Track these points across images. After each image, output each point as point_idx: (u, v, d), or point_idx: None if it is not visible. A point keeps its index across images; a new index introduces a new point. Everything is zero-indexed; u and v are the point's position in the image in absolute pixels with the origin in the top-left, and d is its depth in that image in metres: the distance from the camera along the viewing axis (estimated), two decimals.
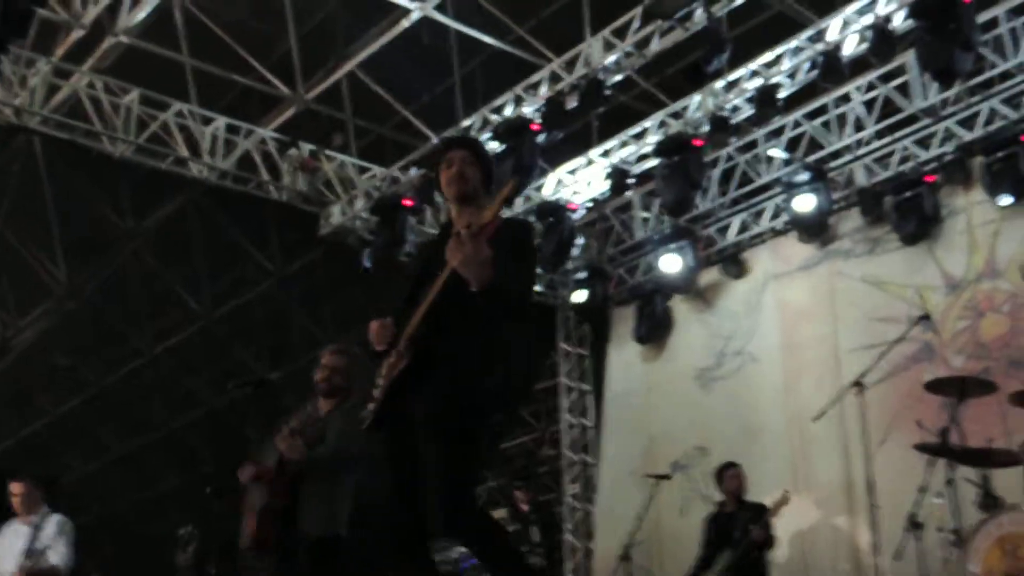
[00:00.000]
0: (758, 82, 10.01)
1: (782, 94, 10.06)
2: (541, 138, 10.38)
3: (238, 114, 11.10)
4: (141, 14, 9.58)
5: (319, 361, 6.19)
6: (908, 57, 9.97)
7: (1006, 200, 9.94)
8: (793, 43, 9.76)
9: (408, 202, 11.34)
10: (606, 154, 11.37)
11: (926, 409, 8.03)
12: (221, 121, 10.98)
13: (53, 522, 7.86)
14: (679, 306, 12.39)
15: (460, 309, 4.11)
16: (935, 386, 7.38)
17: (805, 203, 10.86)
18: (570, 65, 10.19)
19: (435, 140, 11.08)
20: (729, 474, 9.35)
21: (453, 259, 4.04)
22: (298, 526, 5.89)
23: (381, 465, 4.42)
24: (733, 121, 10.42)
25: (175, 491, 10.55)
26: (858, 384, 7.67)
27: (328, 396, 6.12)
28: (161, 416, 10.81)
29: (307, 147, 11.46)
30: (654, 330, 12.62)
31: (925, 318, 7.99)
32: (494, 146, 10.59)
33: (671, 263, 11.81)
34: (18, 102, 9.91)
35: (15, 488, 7.97)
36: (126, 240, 10.63)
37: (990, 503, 6.70)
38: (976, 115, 10.23)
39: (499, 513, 8.19)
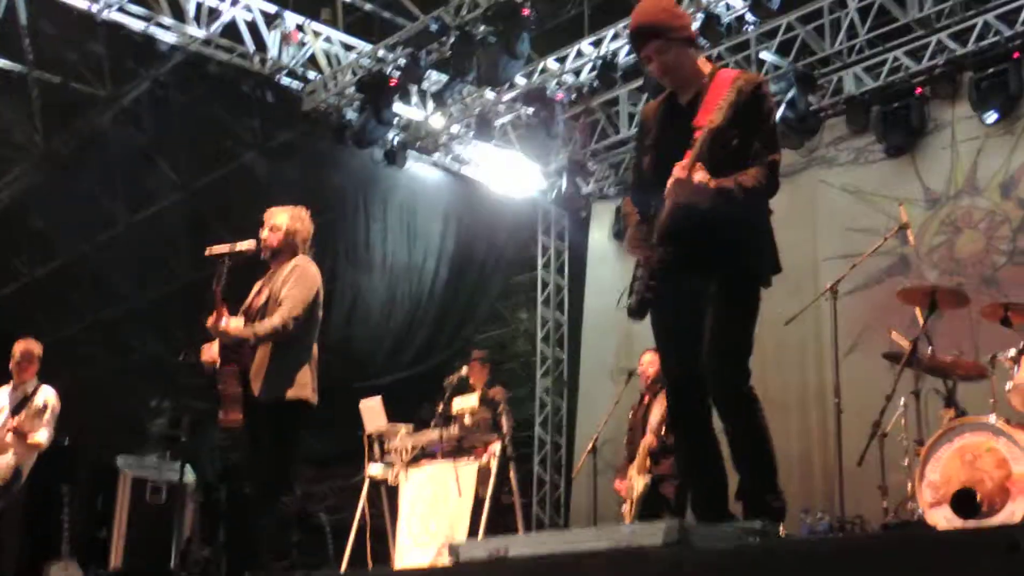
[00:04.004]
0: None
1: None
2: (531, 23, 10.27)
3: None
4: None
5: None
6: None
7: (992, 117, 9.96)
8: None
9: (393, 81, 11.22)
10: (596, 45, 11.25)
11: (899, 321, 8.08)
12: None
13: (41, 393, 8.01)
14: None
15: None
16: (908, 295, 7.43)
17: (788, 108, 10.81)
18: None
19: (423, 18, 10.90)
20: (644, 360, 8.86)
21: (672, 195, 4.12)
22: (254, 391, 5.93)
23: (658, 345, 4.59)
24: (725, 19, 10.30)
25: (148, 362, 10.57)
26: (832, 290, 7.74)
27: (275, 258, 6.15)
28: (136, 286, 10.78)
29: (294, 19, 11.25)
30: None
31: (905, 227, 8.02)
32: (482, 29, 10.52)
33: None
34: None
35: (19, 349, 8.10)
36: (105, 104, 10.46)
37: (954, 414, 6.82)
38: (970, 29, 10.17)
39: (470, 399, 8.23)
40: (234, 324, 5.91)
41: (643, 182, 4.51)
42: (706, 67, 4.45)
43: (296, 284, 6.04)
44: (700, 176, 4.08)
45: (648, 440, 8.12)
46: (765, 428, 4.33)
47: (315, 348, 6.13)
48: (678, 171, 4.09)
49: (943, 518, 6.12)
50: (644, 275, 4.38)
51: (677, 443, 4.66)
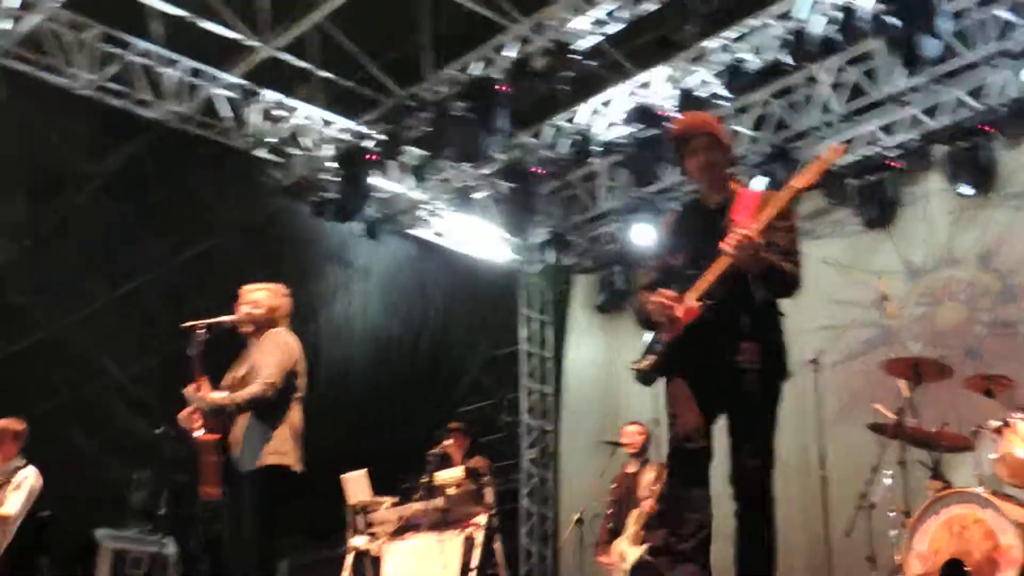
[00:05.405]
0: (726, 56, 10.02)
1: (749, 70, 10.07)
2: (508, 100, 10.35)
3: (202, 58, 10.90)
4: None
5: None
6: (877, 43, 10.00)
7: (966, 190, 10.10)
8: (761, 19, 9.76)
9: (372, 156, 11.26)
10: (571, 120, 11.35)
11: (883, 393, 8.11)
12: (185, 63, 10.80)
13: (20, 473, 7.89)
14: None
15: (746, 283, 4.54)
16: (892, 367, 7.46)
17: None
18: (539, 28, 10.12)
19: (401, 95, 10.99)
20: (628, 431, 8.88)
21: (731, 255, 4.44)
22: (234, 461, 5.88)
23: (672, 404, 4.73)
24: (701, 94, 10.41)
25: (127, 436, 10.49)
26: (814, 361, 7.77)
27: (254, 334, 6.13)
28: (115, 361, 10.73)
29: (272, 95, 11.31)
30: (615, 300, 12.70)
31: (885, 299, 8.08)
32: (459, 106, 10.59)
33: (641, 234, 11.80)
34: None
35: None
36: (84, 180, 10.46)
37: (940, 486, 6.80)
38: (941, 104, 10.33)
39: (454, 471, 8.18)
40: (214, 393, 5.89)
41: (669, 276, 4.80)
42: (733, 183, 4.89)
43: (272, 352, 6.03)
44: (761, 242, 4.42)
45: (647, 505, 8.05)
46: (775, 532, 4.60)
47: (299, 418, 6.08)
48: (746, 231, 4.40)
49: None
50: (669, 340, 4.63)
51: (670, 488, 4.81)
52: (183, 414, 6.01)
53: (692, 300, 4.57)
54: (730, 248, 4.41)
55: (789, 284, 4.61)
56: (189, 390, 5.89)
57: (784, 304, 4.80)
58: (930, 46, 8.91)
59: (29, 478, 7.98)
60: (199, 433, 5.92)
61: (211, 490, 5.88)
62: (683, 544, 4.55)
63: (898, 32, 8.94)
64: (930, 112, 10.42)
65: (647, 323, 4.78)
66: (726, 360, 4.54)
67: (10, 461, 8.02)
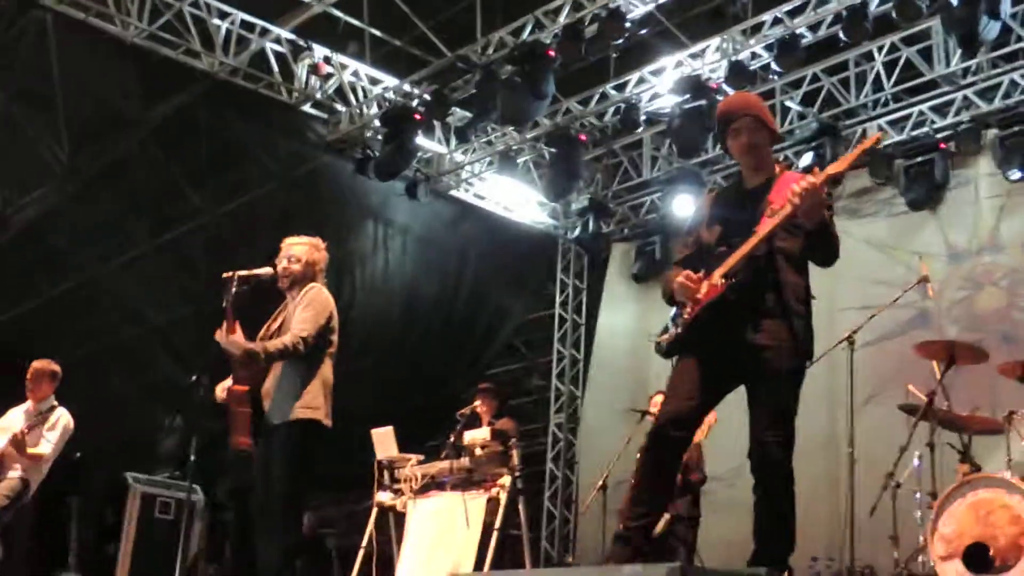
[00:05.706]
0: (779, 30, 9.93)
1: (803, 45, 9.97)
2: (556, 65, 10.32)
3: (254, 11, 10.95)
4: None
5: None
6: (934, 22, 9.87)
7: (1016, 175, 9.98)
8: None
9: (418, 116, 11.27)
10: (620, 88, 11.30)
11: (917, 374, 8.05)
12: (237, 16, 10.86)
13: (55, 413, 8.01)
14: None
15: (782, 255, 4.54)
16: (926, 349, 7.39)
17: (813, 158, 10.81)
18: None
19: (450, 56, 10.98)
20: (658, 401, 8.97)
21: (796, 203, 4.36)
22: (265, 413, 5.93)
23: (670, 384, 4.75)
24: (751, 67, 10.34)
25: (162, 382, 10.60)
26: (849, 339, 7.70)
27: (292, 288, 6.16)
28: (154, 308, 10.85)
29: (321, 51, 11.34)
30: (651, 270, 12.68)
31: (925, 280, 7.99)
32: (507, 69, 10.58)
33: (683, 205, 11.74)
34: None
35: (32, 367, 8.14)
36: (132, 127, 10.54)
37: (968, 469, 6.76)
38: (996, 87, 10.19)
39: (482, 431, 8.21)
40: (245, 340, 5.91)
41: (700, 252, 4.79)
42: (777, 165, 4.86)
43: (308, 307, 6.06)
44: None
45: None
46: (793, 508, 4.61)
47: (330, 372, 6.12)
48: (813, 179, 4.38)
49: (954, 572, 6.06)
50: (690, 316, 4.63)
51: (645, 462, 4.76)
52: (219, 389, 6.06)
53: (717, 279, 4.57)
54: (796, 195, 4.36)
55: (833, 251, 4.58)
56: (219, 334, 5.91)
57: (823, 283, 4.78)
58: (990, 27, 8.76)
59: (63, 418, 8.11)
60: (228, 383, 5.99)
61: (242, 440, 5.93)
62: (630, 523, 4.58)
63: (957, 12, 8.80)
64: (983, 95, 10.28)
65: (670, 300, 4.80)
66: (747, 338, 4.53)
67: (44, 401, 8.15)
